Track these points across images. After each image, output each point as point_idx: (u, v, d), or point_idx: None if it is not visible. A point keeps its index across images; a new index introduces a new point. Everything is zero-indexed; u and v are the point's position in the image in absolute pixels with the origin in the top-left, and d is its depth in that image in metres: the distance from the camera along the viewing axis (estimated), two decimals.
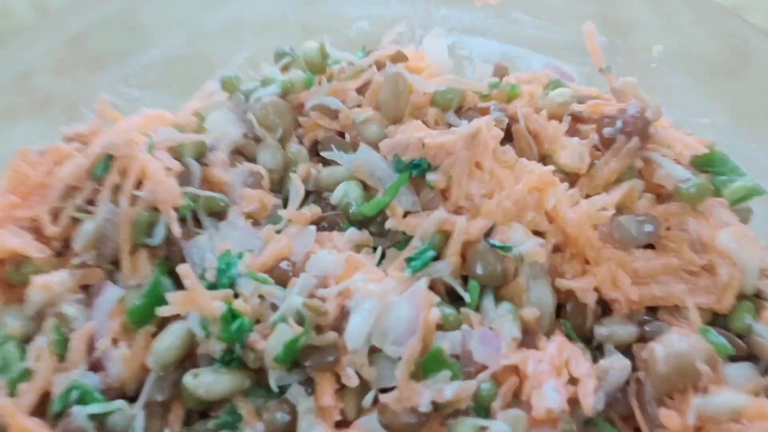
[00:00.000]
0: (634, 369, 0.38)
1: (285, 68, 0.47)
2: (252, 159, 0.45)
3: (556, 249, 0.41)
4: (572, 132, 0.45)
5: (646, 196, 0.43)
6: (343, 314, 0.37)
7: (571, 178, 0.43)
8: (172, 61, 0.46)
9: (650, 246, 0.42)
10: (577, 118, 0.45)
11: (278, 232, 0.41)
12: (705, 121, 0.45)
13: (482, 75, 0.49)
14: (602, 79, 0.47)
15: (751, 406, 0.35)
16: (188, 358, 0.38)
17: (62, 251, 0.41)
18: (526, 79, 0.48)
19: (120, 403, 0.37)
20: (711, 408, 0.36)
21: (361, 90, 0.46)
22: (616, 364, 0.38)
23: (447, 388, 0.35)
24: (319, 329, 0.37)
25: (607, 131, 0.42)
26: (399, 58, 0.46)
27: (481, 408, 0.35)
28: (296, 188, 0.42)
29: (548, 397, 0.35)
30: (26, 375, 0.37)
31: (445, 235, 0.40)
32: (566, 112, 0.45)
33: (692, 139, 0.45)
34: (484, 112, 0.45)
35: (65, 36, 0.42)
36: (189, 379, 0.36)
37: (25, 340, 0.38)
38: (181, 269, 0.37)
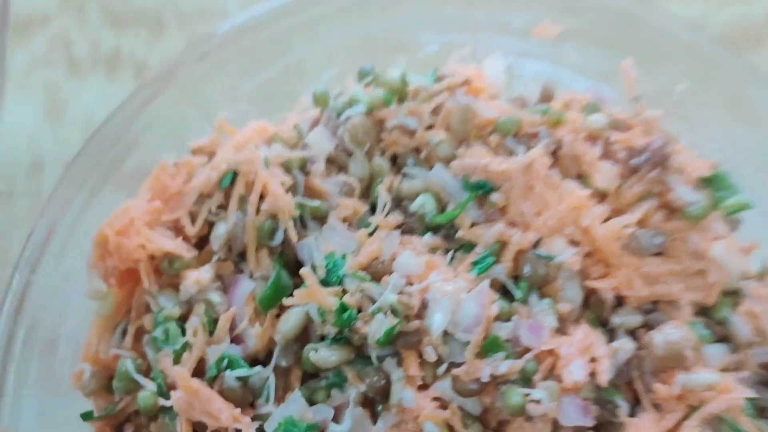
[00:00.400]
0: (637, 348, 0.53)
1: (367, 85, 0.57)
2: (342, 166, 0.56)
3: (587, 254, 0.54)
4: (605, 151, 0.56)
5: (658, 213, 0.55)
6: (423, 305, 0.50)
7: (602, 194, 0.55)
8: (276, 78, 0.55)
9: (659, 253, 0.55)
10: (609, 141, 0.56)
11: (369, 235, 0.53)
12: (714, 146, 0.56)
13: (531, 91, 0.59)
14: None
15: (721, 382, 0.50)
16: (302, 333, 0.52)
17: (199, 244, 0.53)
18: (568, 100, 0.59)
19: (258, 368, 0.50)
20: (692, 383, 0.50)
21: (433, 110, 0.56)
22: (625, 346, 0.52)
23: (502, 365, 0.49)
24: (407, 318, 0.50)
25: (634, 161, 0.53)
26: (466, 84, 0.56)
27: (526, 379, 0.49)
28: (383, 199, 0.53)
29: (575, 372, 0.49)
30: (185, 348, 0.50)
31: (503, 244, 0.52)
32: (602, 136, 0.56)
33: (700, 162, 0.56)
34: (534, 135, 0.55)
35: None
36: (311, 354, 0.49)
37: (180, 320, 0.51)
38: (303, 272, 0.50)
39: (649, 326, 0.53)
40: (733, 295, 0.55)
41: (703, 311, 0.54)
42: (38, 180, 0.74)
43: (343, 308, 0.49)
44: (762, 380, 0.55)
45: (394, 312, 0.49)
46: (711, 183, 0.56)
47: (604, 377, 0.49)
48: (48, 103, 0.78)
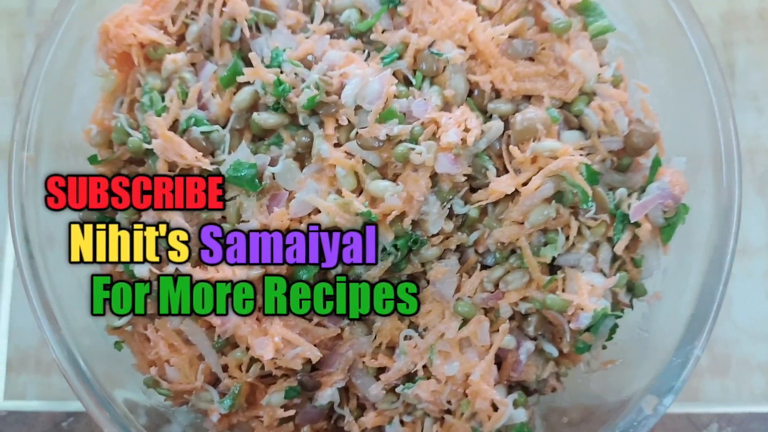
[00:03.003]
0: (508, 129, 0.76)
1: None
2: None
3: (472, 56, 0.76)
4: None
5: (534, 28, 0.77)
6: (342, 86, 0.74)
7: (490, 14, 0.78)
8: None
9: (531, 59, 0.77)
10: None
11: (307, 38, 0.77)
12: None
13: None
14: None
15: (561, 148, 0.72)
16: (254, 106, 0.76)
17: (179, 42, 0.78)
18: None
19: (217, 126, 0.74)
20: (539, 148, 0.72)
21: None
22: (495, 124, 0.75)
23: (395, 128, 0.72)
24: (328, 93, 0.74)
25: None
26: None
27: (414, 140, 0.73)
28: (319, 11, 0.77)
29: (450, 136, 0.72)
30: (164, 110, 0.75)
31: (405, 45, 0.76)
32: None
33: None
34: None
35: None
36: (255, 116, 0.74)
37: (161, 92, 0.76)
38: (251, 55, 0.74)
39: None
40: (589, 94, 0.77)
41: (564, 106, 0.77)
42: None
43: (279, 82, 0.73)
44: (612, 164, 0.78)
45: (317, 87, 0.73)
46: (582, 10, 0.79)
47: (471, 140, 0.72)
48: None
